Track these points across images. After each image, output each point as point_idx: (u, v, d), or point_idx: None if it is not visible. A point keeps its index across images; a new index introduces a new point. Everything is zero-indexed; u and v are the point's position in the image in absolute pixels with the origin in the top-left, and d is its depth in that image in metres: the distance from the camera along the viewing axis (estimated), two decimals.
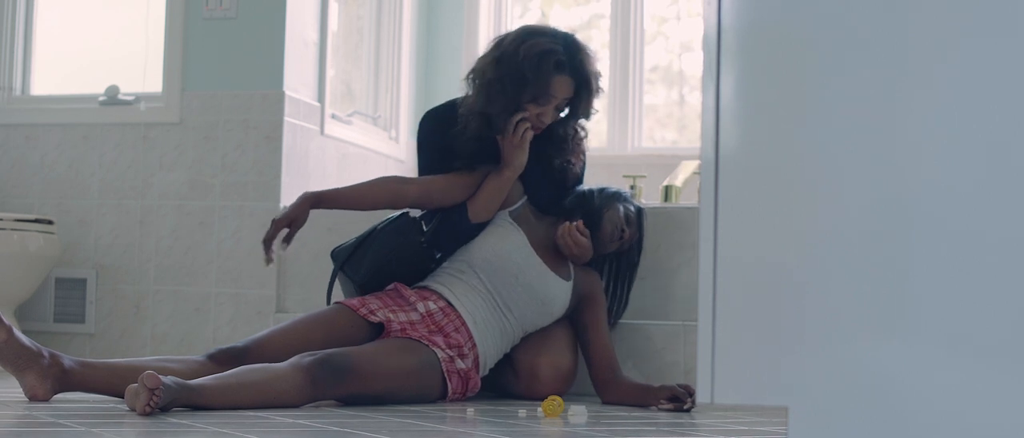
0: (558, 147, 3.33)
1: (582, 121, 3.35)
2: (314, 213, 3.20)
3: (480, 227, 3.27)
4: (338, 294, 3.35)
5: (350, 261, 3.28)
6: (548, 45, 3.18)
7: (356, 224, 3.71)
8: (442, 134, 3.34)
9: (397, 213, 3.34)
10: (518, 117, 3.20)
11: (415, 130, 5.13)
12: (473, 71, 3.31)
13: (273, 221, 3.15)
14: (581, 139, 3.39)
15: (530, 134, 3.22)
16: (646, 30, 5.48)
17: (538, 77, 3.16)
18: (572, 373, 3.31)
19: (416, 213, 3.36)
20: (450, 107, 3.42)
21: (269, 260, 3.13)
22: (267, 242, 3.13)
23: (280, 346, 2.93)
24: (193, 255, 4.35)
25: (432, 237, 3.27)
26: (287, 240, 3.15)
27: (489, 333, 3.17)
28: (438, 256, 3.30)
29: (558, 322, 3.34)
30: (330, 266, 3.39)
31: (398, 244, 3.24)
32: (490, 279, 3.21)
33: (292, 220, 3.14)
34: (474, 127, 3.24)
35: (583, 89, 3.24)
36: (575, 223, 3.26)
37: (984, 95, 1.20)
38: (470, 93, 3.29)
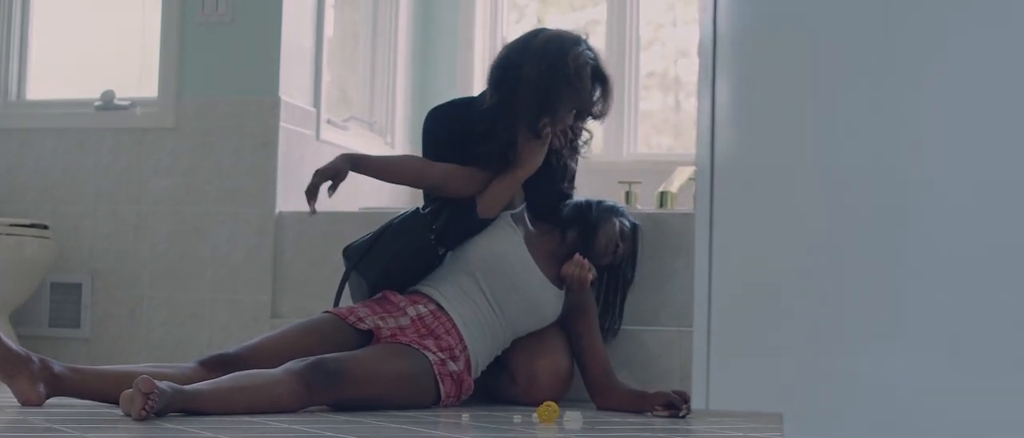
0: (567, 144, 3.36)
1: (592, 122, 3.40)
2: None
3: (483, 224, 3.28)
4: (346, 296, 3.34)
5: (365, 259, 3.28)
6: (589, 56, 3.27)
7: (349, 232, 3.70)
8: (443, 128, 3.41)
9: (410, 209, 3.37)
10: (565, 122, 3.26)
11: (412, 134, 5.14)
12: (506, 72, 3.30)
13: (316, 172, 3.24)
14: (586, 140, 3.41)
15: (550, 137, 3.25)
16: (642, 36, 5.48)
17: (584, 89, 3.25)
18: (570, 376, 3.33)
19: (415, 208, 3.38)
20: (453, 105, 3.53)
21: (313, 211, 3.24)
22: (311, 192, 3.21)
23: (272, 353, 2.93)
24: (188, 261, 4.34)
25: (440, 233, 3.28)
26: (332, 190, 3.23)
27: (479, 334, 3.18)
28: (442, 252, 3.32)
29: (553, 326, 3.34)
30: (337, 267, 3.38)
31: (410, 240, 3.25)
32: (485, 278, 3.22)
33: (335, 172, 3.23)
34: (502, 126, 3.25)
35: (604, 93, 3.32)
36: (585, 262, 3.27)
37: (979, 103, 1.20)
38: (499, 92, 3.29)
